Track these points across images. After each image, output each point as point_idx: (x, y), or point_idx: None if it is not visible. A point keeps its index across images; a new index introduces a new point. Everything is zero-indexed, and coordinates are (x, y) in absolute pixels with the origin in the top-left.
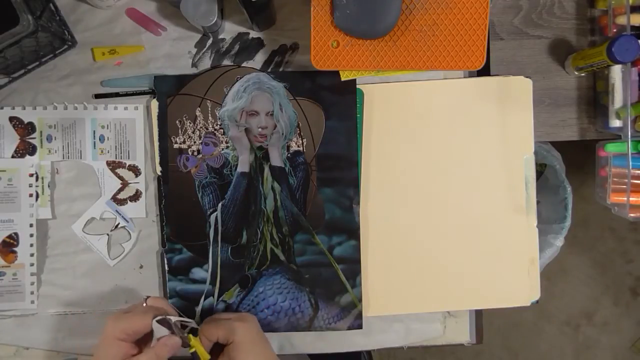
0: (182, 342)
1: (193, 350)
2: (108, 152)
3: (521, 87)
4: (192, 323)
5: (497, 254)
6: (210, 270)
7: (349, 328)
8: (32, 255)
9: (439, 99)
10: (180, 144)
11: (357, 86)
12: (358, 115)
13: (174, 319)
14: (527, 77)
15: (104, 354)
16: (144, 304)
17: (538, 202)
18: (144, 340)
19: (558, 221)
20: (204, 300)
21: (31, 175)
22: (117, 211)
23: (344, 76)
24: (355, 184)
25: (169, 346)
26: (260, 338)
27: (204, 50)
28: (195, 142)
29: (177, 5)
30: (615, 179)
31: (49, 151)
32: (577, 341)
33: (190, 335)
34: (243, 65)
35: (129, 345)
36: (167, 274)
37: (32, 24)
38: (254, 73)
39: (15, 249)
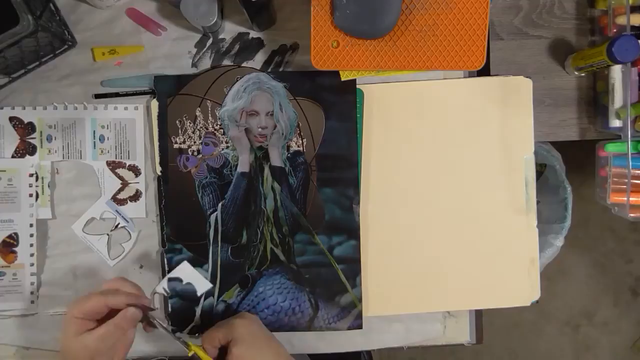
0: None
1: (192, 353)
2: (108, 152)
3: (521, 87)
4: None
5: (497, 254)
6: (210, 270)
7: (349, 328)
8: (32, 255)
9: (439, 99)
10: (180, 144)
11: (357, 86)
12: (358, 115)
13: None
14: (527, 77)
15: (64, 331)
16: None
17: (538, 202)
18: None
19: (558, 221)
20: (204, 300)
21: (31, 175)
22: (117, 211)
23: (344, 76)
24: (355, 184)
25: (129, 318)
26: (261, 332)
27: (204, 50)
28: (195, 142)
29: (177, 5)
30: (615, 179)
31: (49, 151)
32: (577, 341)
33: (190, 342)
34: (243, 65)
35: (87, 322)
36: (167, 274)
37: (32, 24)
38: (254, 73)
39: (15, 249)
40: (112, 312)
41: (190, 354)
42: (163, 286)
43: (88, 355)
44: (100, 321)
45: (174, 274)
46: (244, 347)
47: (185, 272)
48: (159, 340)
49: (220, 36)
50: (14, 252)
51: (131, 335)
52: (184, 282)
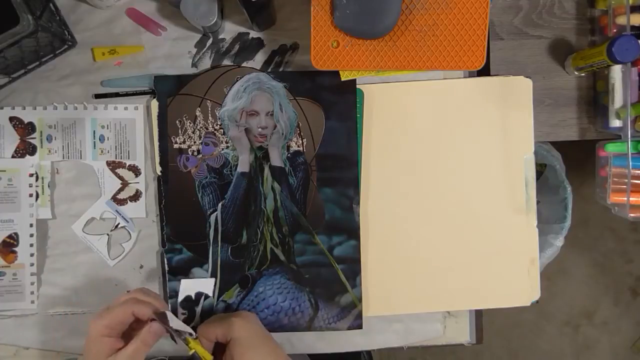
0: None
1: (193, 351)
2: (108, 152)
3: (521, 87)
4: (187, 329)
5: (497, 254)
6: (210, 270)
7: (349, 328)
8: (32, 255)
9: (439, 99)
10: (180, 144)
11: (357, 86)
12: (358, 115)
13: (170, 315)
14: (527, 77)
15: (89, 352)
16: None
17: (538, 202)
18: (129, 334)
19: (558, 221)
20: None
21: (31, 175)
22: (117, 211)
23: (344, 76)
24: (355, 184)
25: (153, 332)
26: (260, 332)
27: (204, 50)
28: (195, 142)
29: (177, 5)
30: (615, 179)
31: (49, 151)
32: (577, 341)
33: (189, 337)
34: (243, 65)
35: (114, 340)
36: (167, 274)
37: (32, 24)
38: (254, 73)
39: (15, 249)
40: (133, 324)
41: (190, 353)
42: (180, 312)
43: None
44: (124, 334)
45: (182, 296)
46: (243, 349)
47: (188, 286)
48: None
49: (220, 36)
50: (14, 252)
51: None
52: (194, 296)
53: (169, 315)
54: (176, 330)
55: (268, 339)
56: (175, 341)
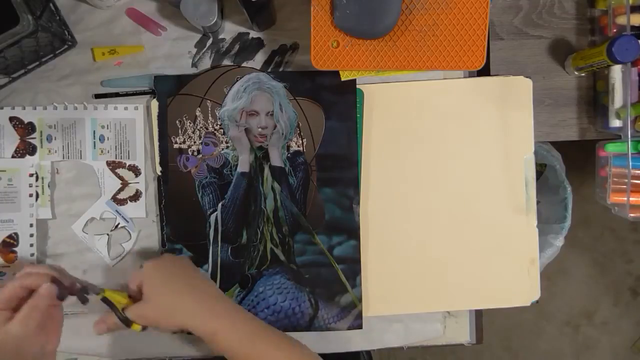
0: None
1: (100, 297)
2: (108, 152)
3: (521, 87)
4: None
5: (497, 254)
6: (210, 270)
7: (349, 328)
8: (32, 255)
9: (439, 99)
10: (180, 144)
11: (357, 86)
12: (358, 115)
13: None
14: (527, 77)
15: None
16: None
17: (538, 202)
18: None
19: (558, 221)
20: None
21: (31, 175)
22: (117, 211)
23: (344, 76)
24: (355, 184)
25: (43, 295)
26: (172, 269)
27: (204, 50)
28: (195, 142)
29: (177, 5)
30: (615, 179)
31: (49, 151)
32: (577, 341)
33: (104, 288)
34: (243, 65)
35: (8, 313)
36: None
37: (32, 24)
38: (254, 73)
39: (15, 249)
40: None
41: (99, 298)
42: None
43: (14, 344)
44: None
45: None
46: (149, 288)
47: None
48: (159, 340)
49: (220, 36)
50: (14, 252)
51: (58, 315)
52: None
53: (62, 276)
54: (81, 287)
55: (182, 275)
56: (82, 301)
